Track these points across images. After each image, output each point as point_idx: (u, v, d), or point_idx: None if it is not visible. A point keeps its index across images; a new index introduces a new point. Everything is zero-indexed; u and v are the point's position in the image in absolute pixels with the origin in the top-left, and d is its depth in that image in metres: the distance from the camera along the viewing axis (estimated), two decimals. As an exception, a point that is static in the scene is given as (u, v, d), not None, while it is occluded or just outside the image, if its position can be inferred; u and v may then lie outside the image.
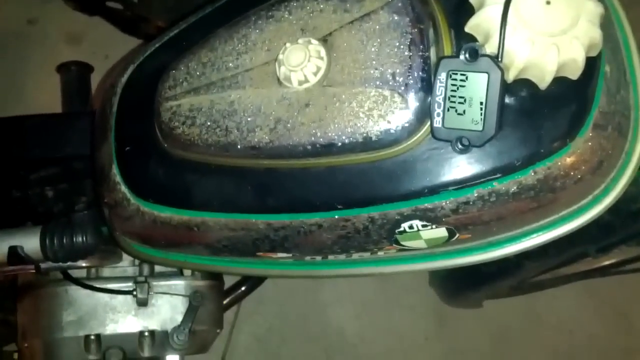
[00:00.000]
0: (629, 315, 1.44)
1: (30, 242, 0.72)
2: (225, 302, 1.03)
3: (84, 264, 0.81)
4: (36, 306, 0.88)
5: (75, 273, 0.86)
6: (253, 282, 1.08)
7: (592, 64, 0.49)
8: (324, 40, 0.52)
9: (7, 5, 1.57)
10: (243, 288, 1.07)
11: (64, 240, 0.72)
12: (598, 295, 1.44)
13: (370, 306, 1.44)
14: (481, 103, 0.46)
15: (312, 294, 1.45)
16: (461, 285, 1.17)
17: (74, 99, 1.06)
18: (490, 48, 0.47)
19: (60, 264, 0.75)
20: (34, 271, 0.76)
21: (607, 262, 1.16)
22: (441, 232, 0.54)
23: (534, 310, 1.44)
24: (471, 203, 0.51)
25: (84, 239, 0.72)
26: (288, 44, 0.51)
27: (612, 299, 1.44)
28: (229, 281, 1.04)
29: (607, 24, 0.54)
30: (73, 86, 1.07)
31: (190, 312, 0.88)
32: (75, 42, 1.56)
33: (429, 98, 0.48)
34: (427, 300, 1.39)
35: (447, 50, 0.50)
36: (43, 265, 0.76)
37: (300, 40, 0.51)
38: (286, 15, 0.54)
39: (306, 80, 0.51)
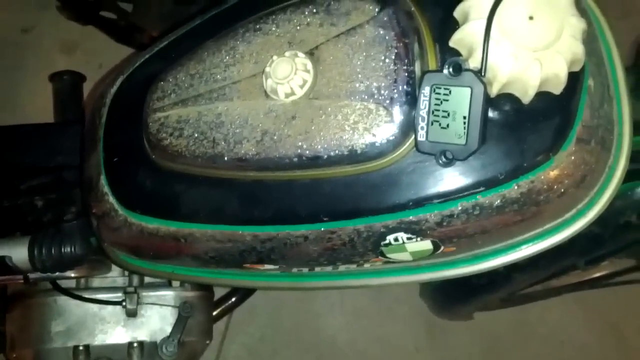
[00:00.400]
0: (619, 326, 1.44)
1: (18, 252, 0.72)
2: (215, 313, 1.03)
3: (72, 275, 0.81)
4: (25, 316, 0.88)
5: (64, 283, 0.86)
6: (243, 293, 1.08)
7: (575, 78, 0.50)
8: (310, 54, 0.52)
9: (1, 13, 1.57)
10: (233, 299, 1.07)
11: (53, 251, 0.72)
12: (589, 306, 1.44)
13: (362, 316, 1.44)
14: (464, 117, 0.47)
15: (303, 304, 1.45)
16: (451, 297, 1.17)
17: (66, 107, 1.07)
18: (474, 62, 0.47)
19: (49, 274, 0.75)
20: (22, 281, 0.76)
21: (597, 274, 1.16)
22: (426, 244, 0.54)
23: (525, 322, 1.44)
24: (455, 216, 0.51)
25: (73, 249, 0.72)
26: (275, 57, 0.52)
27: (603, 309, 1.44)
28: (219, 292, 1.04)
29: (591, 38, 0.54)
30: (65, 95, 1.07)
31: (180, 323, 0.88)
32: (69, 51, 1.56)
33: (414, 111, 0.48)
34: (418, 311, 1.39)
35: (432, 64, 0.50)
36: (32, 276, 0.76)
37: (287, 53, 0.52)
38: (273, 29, 0.54)
39: (293, 93, 0.51)
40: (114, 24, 1.45)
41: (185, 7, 1.40)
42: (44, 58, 1.54)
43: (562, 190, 0.52)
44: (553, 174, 0.50)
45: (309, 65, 0.51)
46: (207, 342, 0.93)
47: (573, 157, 0.51)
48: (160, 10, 1.41)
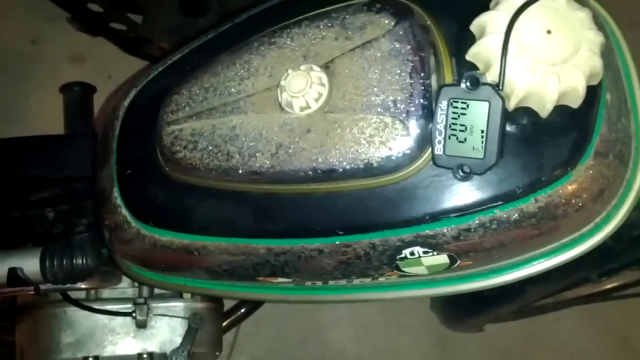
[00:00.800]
0: (630, 339, 1.43)
1: (30, 264, 0.72)
2: (224, 324, 1.02)
3: (83, 286, 0.81)
4: (35, 327, 0.87)
5: (74, 294, 0.85)
6: (252, 304, 1.08)
7: (593, 92, 0.49)
8: (325, 67, 0.52)
9: (11, 24, 1.58)
10: (242, 310, 1.06)
11: (64, 263, 0.72)
12: (599, 318, 1.43)
13: (370, 328, 1.43)
14: (482, 131, 0.46)
15: (311, 316, 1.44)
16: (462, 310, 1.16)
17: (76, 119, 1.07)
18: (491, 76, 0.47)
19: (60, 285, 0.75)
20: (33, 292, 0.76)
21: (609, 286, 1.16)
22: (442, 258, 0.53)
23: (536, 334, 1.43)
24: (472, 230, 0.51)
25: (84, 261, 0.72)
26: (290, 70, 0.52)
27: (614, 322, 1.43)
28: (228, 303, 1.03)
29: (607, 52, 0.54)
30: (75, 106, 1.07)
31: (190, 335, 0.88)
32: (78, 62, 1.57)
33: (430, 125, 0.48)
34: (427, 323, 1.38)
35: (448, 77, 0.50)
36: (42, 287, 0.76)
37: (302, 67, 0.52)
38: (288, 42, 0.54)
39: (308, 107, 0.51)
40: (123, 35, 1.46)
41: (194, 19, 1.40)
42: (53, 69, 1.54)
43: (580, 204, 0.51)
44: (571, 188, 0.50)
45: (324, 79, 0.51)
46: (217, 353, 0.93)
47: (591, 171, 0.51)
48: (169, 22, 1.41)
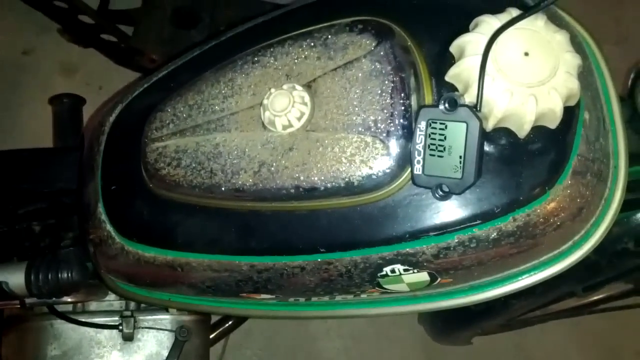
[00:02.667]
0: (616, 350, 1.44)
1: (15, 278, 0.72)
2: (211, 336, 1.02)
3: (69, 300, 0.81)
4: (21, 340, 0.87)
5: (61, 307, 0.85)
6: (240, 317, 1.08)
7: (570, 113, 0.50)
8: (308, 86, 0.52)
9: (2, 35, 1.58)
10: (230, 322, 1.06)
11: (49, 277, 0.72)
12: (586, 329, 1.44)
13: (360, 340, 1.43)
14: (460, 152, 0.47)
15: (300, 327, 1.44)
16: (450, 323, 1.16)
17: (65, 131, 1.07)
18: (470, 97, 0.48)
19: (46, 299, 0.75)
20: (18, 306, 0.76)
21: (595, 297, 1.16)
22: (423, 276, 0.54)
23: (524, 346, 1.43)
24: (452, 248, 0.51)
25: (70, 275, 0.72)
26: (273, 90, 0.52)
27: (601, 333, 1.44)
28: (215, 315, 1.04)
29: (587, 72, 0.55)
30: (65, 118, 1.07)
31: (176, 347, 0.88)
32: (69, 73, 1.57)
33: (410, 145, 0.49)
34: (416, 335, 1.39)
35: (428, 98, 0.51)
36: (28, 301, 0.76)
37: (284, 86, 0.52)
38: (272, 61, 0.55)
39: (290, 125, 0.52)
40: (114, 46, 1.47)
41: (185, 31, 1.41)
42: (44, 80, 1.55)
43: (559, 223, 0.52)
44: (549, 207, 0.51)
45: (307, 98, 0.52)
46: (205, 366, 0.93)
47: (569, 191, 0.51)
48: (160, 33, 1.42)
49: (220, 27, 1.45)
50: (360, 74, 0.51)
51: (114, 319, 0.88)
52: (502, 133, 0.49)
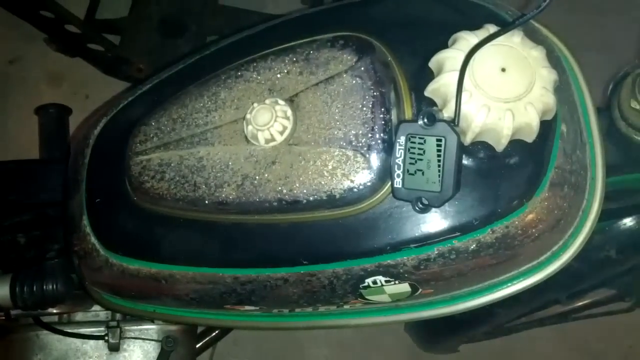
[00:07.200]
0: (602, 356, 1.45)
1: (0, 290, 0.72)
2: (198, 345, 1.03)
3: (55, 311, 0.81)
4: (7, 351, 0.87)
5: (46, 317, 0.85)
6: (225, 328, 1.08)
7: (547, 126, 0.51)
8: (290, 101, 0.53)
9: (-12, 44, 1.58)
10: (216, 332, 1.06)
11: (34, 289, 0.72)
12: (573, 335, 1.45)
13: (347, 348, 1.44)
14: (439, 166, 0.48)
15: (288, 335, 1.45)
16: (435, 332, 1.17)
17: (51, 141, 1.07)
18: (448, 112, 0.48)
19: (31, 311, 0.75)
20: (3, 318, 0.76)
21: (579, 303, 1.17)
22: (404, 287, 0.55)
23: (510, 353, 1.44)
24: (432, 260, 0.52)
25: (55, 287, 0.73)
26: (255, 104, 0.53)
27: (586, 339, 1.45)
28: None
29: (564, 86, 0.56)
30: (51, 128, 1.07)
31: (163, 358, 0.88)
32: (56, 83, 1.57)
33: (390, 159, 0.49)
34: (402, 343, 1.39)
35: (408, 112, 0.51)
36: (13, 312, 0.76)
37: (267, 101, 0.53)
38: (254, 76, 0.55)
39: (273, 139, 0.52)
40: (101, 55, 1.47)
41: (172, 40, 1.41)
42: (31, 89, 1.55)
43: (537, 234, 0.53)
44: (527, 219, 0.52)
45: (289, 113, 0.52)
46: (191, 376, 0.93)
47: (547, 203, 0.52)
48: (147, 42, 1.42)
49: (207, 36, 1.46)
50: (341, 89, 0.52)
51: (100, 330, 0.88)
52: (480, 147, 0.50)
